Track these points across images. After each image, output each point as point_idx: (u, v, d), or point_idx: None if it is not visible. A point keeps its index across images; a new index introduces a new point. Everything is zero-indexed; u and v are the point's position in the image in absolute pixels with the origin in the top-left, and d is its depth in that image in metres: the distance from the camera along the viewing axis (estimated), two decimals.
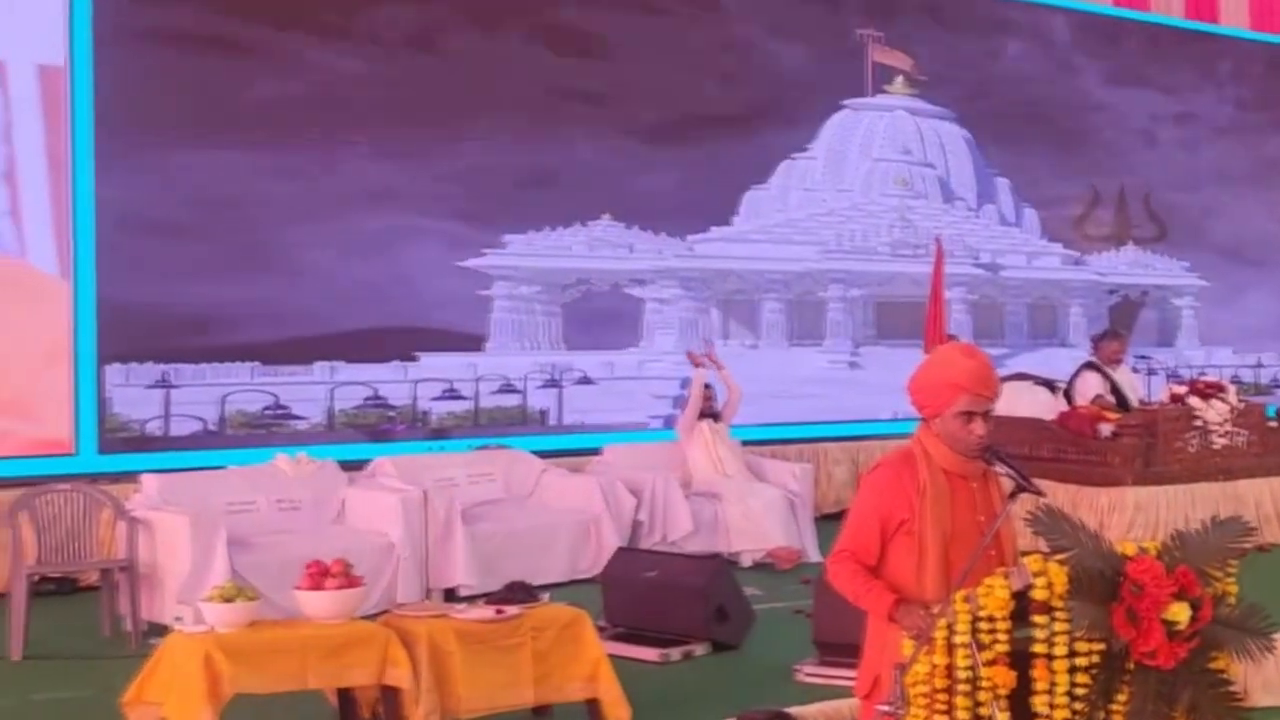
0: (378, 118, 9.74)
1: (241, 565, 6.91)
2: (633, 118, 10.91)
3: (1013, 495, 3.51)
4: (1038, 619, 3.25)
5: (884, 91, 12.51)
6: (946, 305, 11.44)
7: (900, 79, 12.58)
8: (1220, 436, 9.14)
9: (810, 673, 6.08)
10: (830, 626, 5.92)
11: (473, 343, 10.19)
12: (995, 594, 3.25)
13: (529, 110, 10.39)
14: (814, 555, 9.06)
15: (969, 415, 3.54)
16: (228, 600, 4.98)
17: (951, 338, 10.43)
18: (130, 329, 8.68)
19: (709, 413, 9.54)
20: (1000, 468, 3.60)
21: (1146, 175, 14.07)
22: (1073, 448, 9.00)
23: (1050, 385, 9.87)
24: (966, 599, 3.29)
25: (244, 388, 9.19)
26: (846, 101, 12.29)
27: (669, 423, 10.69)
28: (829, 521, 9.90)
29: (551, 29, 10.58)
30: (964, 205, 13.08)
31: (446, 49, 10.10)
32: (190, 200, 9.03)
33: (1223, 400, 9.24)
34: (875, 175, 12.59)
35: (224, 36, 9.18)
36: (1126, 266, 13.96)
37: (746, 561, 8.89)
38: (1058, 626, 3.24)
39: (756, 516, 9.04)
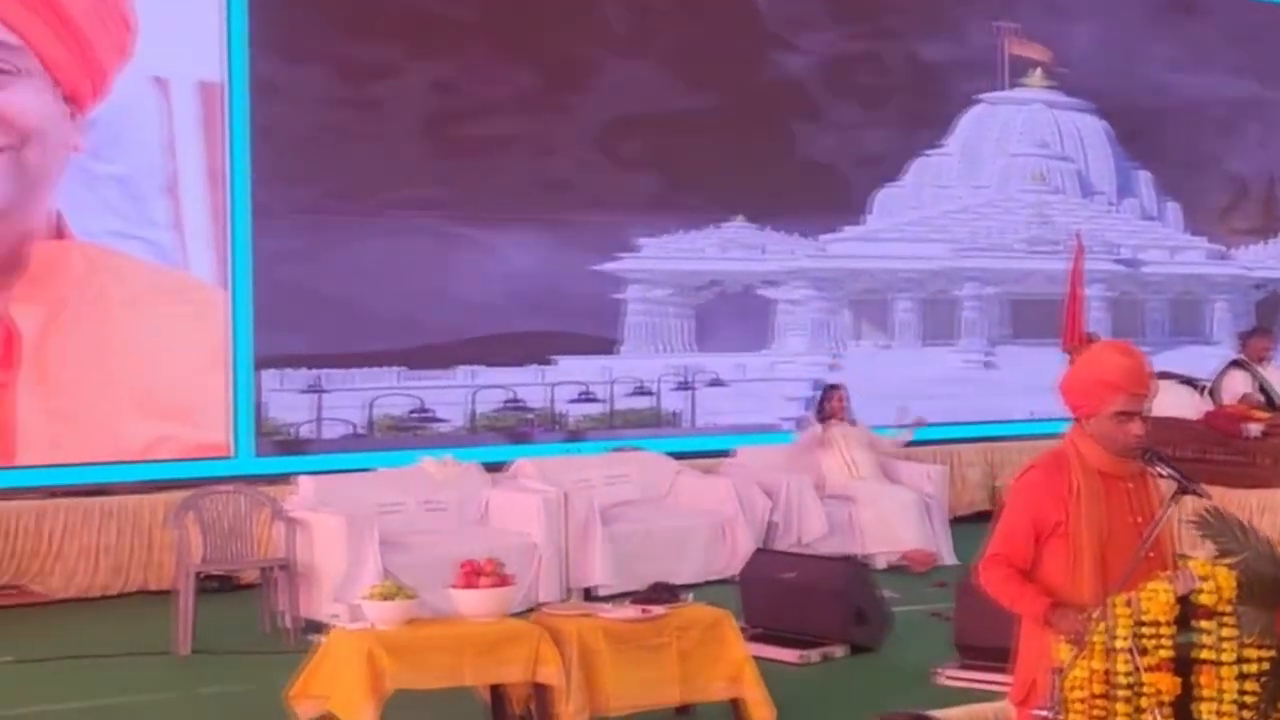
0: (518, 125, 9.92)
1: (391, 564, 7.10)
2: (764, 118, 10.94)
3: (1174, 497, 3.45)
4: (1204, 624, 3.20)
5: (1020, 84, 12.33)
6: (1085, 303, 11.24)
7: (1038, 71, 12.39)
8: None
9: (950, 676, 6.04)
10: (972, 629, 5.88)
11: (607, 346, 10.33)
12: (1159, 598, 3.20)
13: (660, 116, 10.48)
14: (949, 558, 8.99)
15: (1126, 415, 3.49)
16: (388, 598, 5.15)
17: (1091, 336, 10.25)
18: (283, 336, 9.00)
19: (835, 416, 9.53)
20: (1160, 469, 3.54)
21: None
22: (1218, 448, 8.79)
23: (1193, 384, 9.65)
24: (1128, 603, 3.25)
25: (390, 391, 9.46)
26: (982, 96, 12.15)
27: (801, 424, 10.69)
28: (963, 524, 9.83)
29: (682, 38, 10.65)
30: (1103, 199, 12.83)
31: (589, 63, 10.23)
32: (340, 211, 9.33)
33: None
34: (1011, 170, 12.42)
35: (374, 52, 9.46)
36: (1275, 260, 13.55)
37: (881, 564, 8.85)
38: (1225, 632, 3.19)
39: (891, 519, 9.01)
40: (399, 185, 9.55)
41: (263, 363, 8.96)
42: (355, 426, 9.36)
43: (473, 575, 5.29)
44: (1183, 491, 3.45)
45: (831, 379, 10.60)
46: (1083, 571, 3.49)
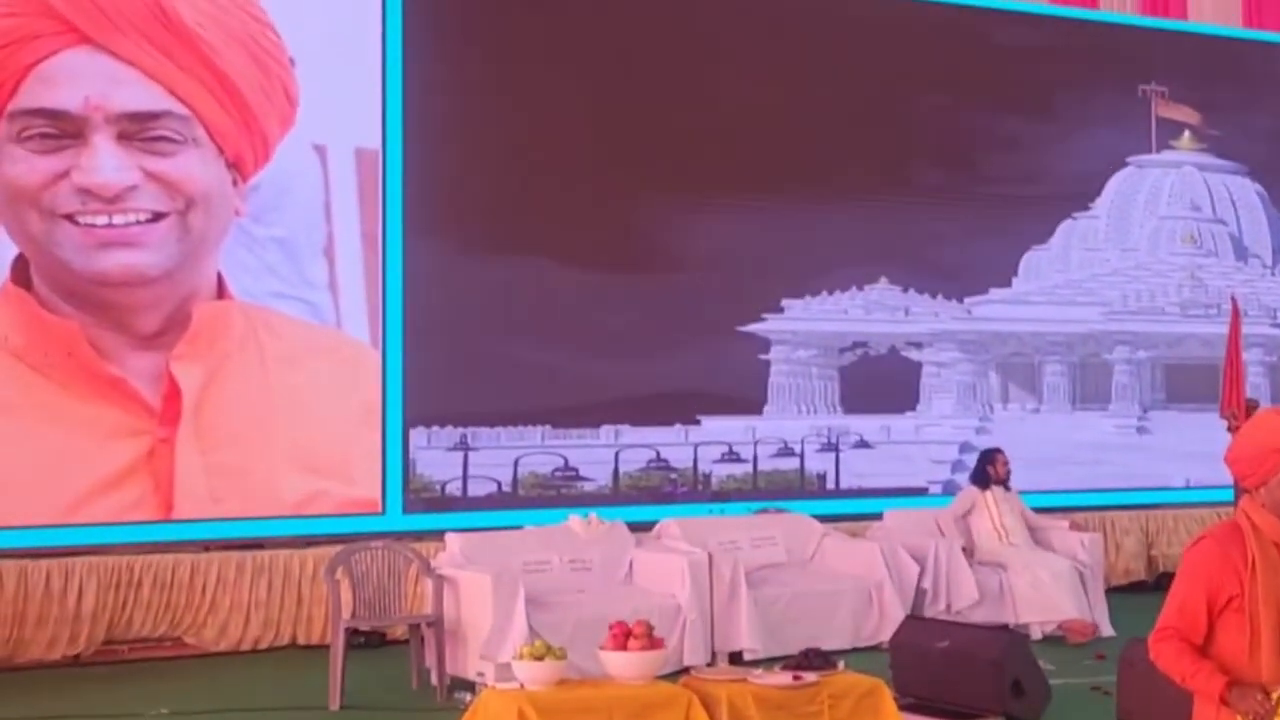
0: (664, 182, 10.02)
1: (537, 623, 7.11)
2: (911, 179, 10.89)
3: None
4: None
5: (1170, 147, 12.09)
6: (1244, 368, 10.87)
7: (1187, 134, 12.13)
8: None
9: None
10: (1136, 705, 5.69)
11: (751, 406, 10.30)
12: None
13: (807, 176, 10.49)
14: (1107, 629, 8.71)
15: None
16: (538, 659, 5.16)
17: (1251, 402, 9.92)
18: (433, 394, 9.15)
19: (999, 480, 9.33)
20: None
21: None
22: None
23: None
24: None
25: (536, 450, 9.56)
26: (1131, 158, 11.93)
27: (948, 488, 10.51)
28: (1119, 594, 9.52)
29: (830, 90, 10.67)
30: (1259, 263, 12.45)
31: (739, 113, 10.32)
32: (487, 271, 9.47)
33: None
34: (1162, 233, 12.13)
35: (522, 119, 9.66)
36: None
37: (1036, 634, 8.58)
38: None
39: (1045, 587, 8.75)
40: (548, 251, 9.67)
41: (412, 421, 9.13)
42: (501, 484, 9.45)
43: (623, 637, 5.29)
44: None
45: (979, 442, 10.43)
46: (1261, 648, 3.36)
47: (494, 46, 9.66)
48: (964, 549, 8.99)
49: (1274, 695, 3.23)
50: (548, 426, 9.57)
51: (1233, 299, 10.97)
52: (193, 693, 7.32)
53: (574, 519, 8.30)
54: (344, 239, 8.98)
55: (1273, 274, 12.46)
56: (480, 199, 9.48)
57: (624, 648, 5.22)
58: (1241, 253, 12.39)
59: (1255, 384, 11.74)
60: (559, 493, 9.53)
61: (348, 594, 7.26)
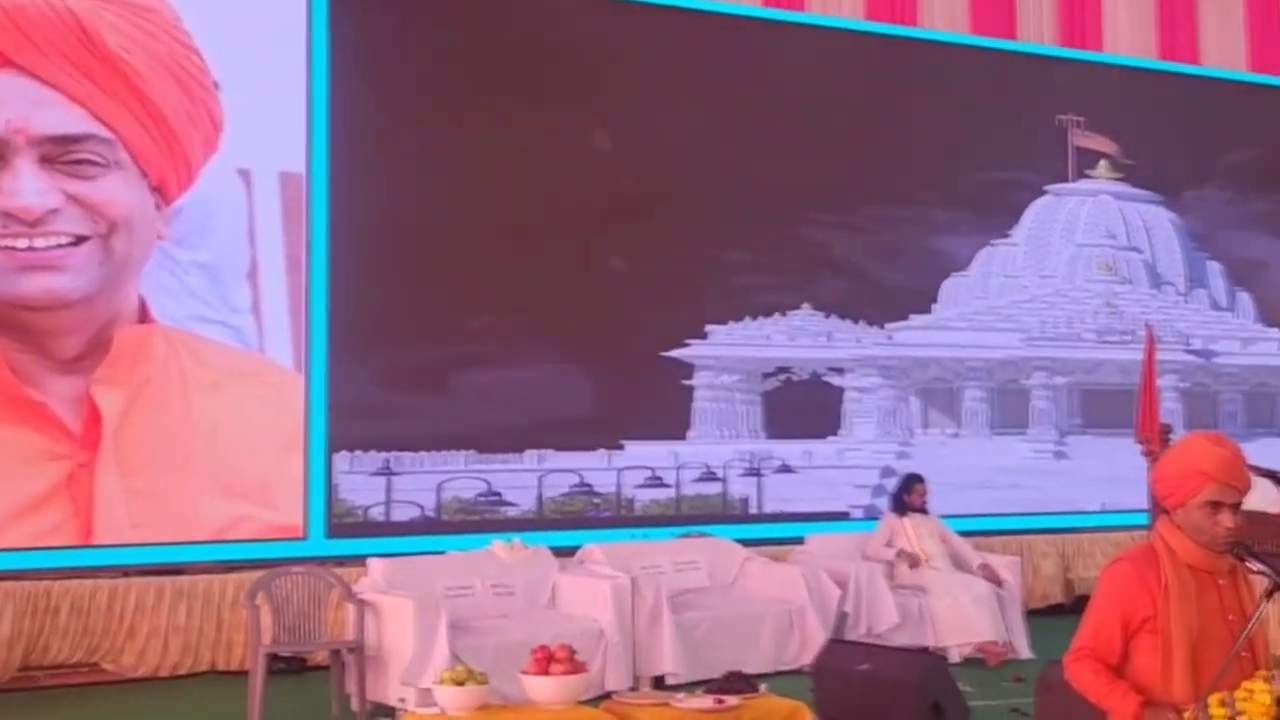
0: (590, 208, 10.06)
1: (460, 648, 7.07)
2: (833, 206, 11.02)
3: (1268, 594, 3.39)
4: None
5: (1087, 176, 12.35)
6: (1159, 394, 11.11)
7: (1104, 163, 12.41)
8: None
9: None
10: None
11: (675, 431, 10.34)
12: (1257, 698, 3.14)
13: (731, 202, 10.59)
14: (1025, 651, 8.84)
15: (1216, 505, 3.45)
16: (459, 684, 5.15)
17: (1166, 428, 10.13)
18: (356, 419, 9.11)
19: (915, 507, 9.44)
20: (1253, 564, 3.48)
21: None
22: None
23: (1275, 477, 9.47)
24: (1223, 703, 3.19)
25: (459, 475, 9.52)
26: (1049, 187, 12.17)
27: (869, 512, 10.62)
28: (1038, 617, 9.66)
29: (753, 118, 10.79)
30: (1173, 290, 12.74)
31: (659, 139, 10.39)
32: (411, 297, 9.46)
33: None
34: (1079, 261, 12.39)
35: (455, 145, 9.66)
36: None
37: (954, 656, 8.68)
38: None
39: (964, 610, 8.87)
40: (473, 275, 9.68)
41: (335, 446, 9.07)
42: (424, 509, 9.40)
43: (545, 661, 5.28)
44: (1277, 588, 3.38)
45: (900, 467, 10.56)
46: (1175, 670, 3.42)
47: (420, 72, 9.66)
48: (884, 573, 9.08)
49: (1186, 715, 3.28)
50: (471, 451, 9.54)
51: (1147, 326, 11.22)
52: None
53: (497, 544, 8.28)
54: (268, 263, 8.92)
55: (1186, 301, 12.76)
56: (405, 224, 9.46)
57: (546, 672, 5.22)
58: (1156, 280, 12.68)
59: (1170, 409, 11.97)
60: (482, 517, 9.50)
61: (268, 619, 7.20)
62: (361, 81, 9.34)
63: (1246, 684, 3.21)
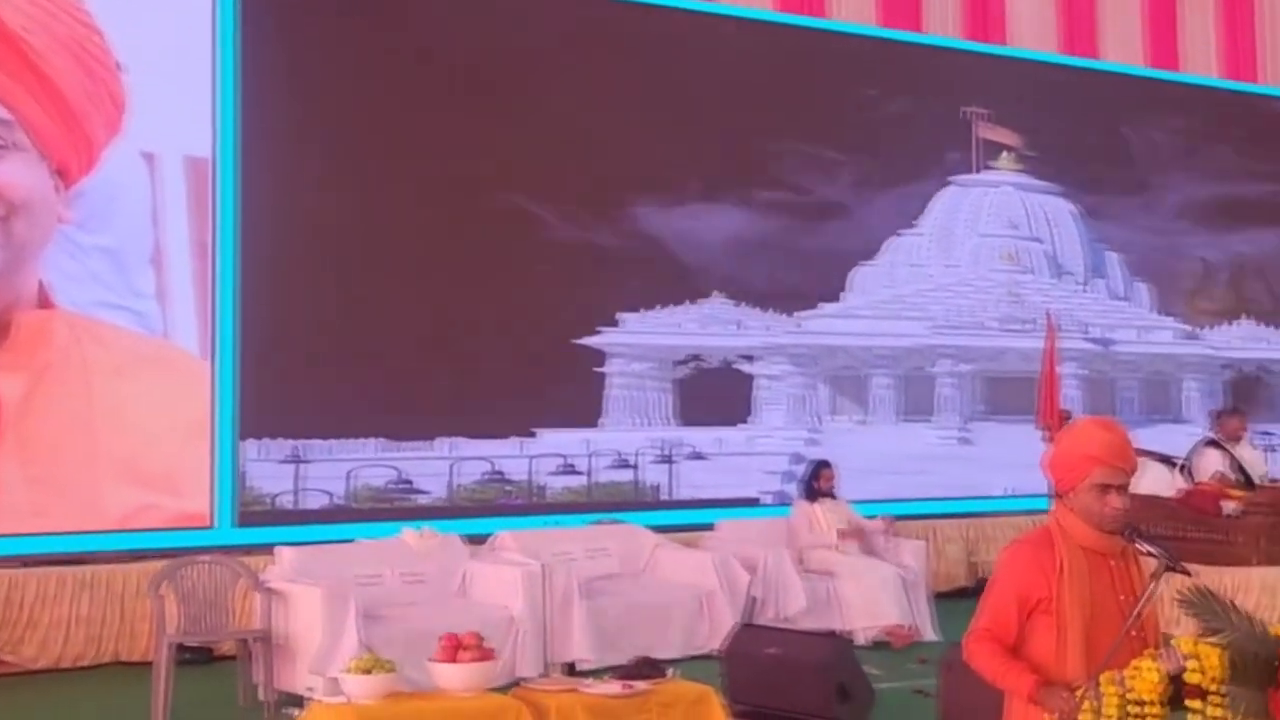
0: (500, 195, 10.02)
1: (370, 637, 7.06)
2: (741, 196, 11.11)
3: (1157, 574, 3.48)
4: (1192, 704, 3.19)
5: (990, 168, 12.57)
6: (1060, 381, 11.36)
7: (1006, 154, 12.63)
8: None
9: None
10: (957, 707, 5.87)
11: (587, 419, 10.37)
12: (1145, 676, 3.21)
13: (641, 191, 10.63)
14: (930, 634, 9.01)
15: (1104, 488, 3.54)
16: (366, 672, 5.11)
17: (1065, 414, 10.36)
18: (264, 406, 9.01)
19: (824, 492, 9.57)
20: (1142, 545, 3.57)
21: (1261, 247, 13.92)
22: (1195, 526, 8.86)
23: (1169, 461, 9.75)
24: (1114, 681, 3.26)
25: (370, 462, 9.46)
26: (953, 178, 12.37)
27: (780, 498, 10.75)
28: (944, 600, 9.84)
29: (663, 107, 10.84)
30: (1073, 280, 13.03)
31: (569, 129, 10.38)
32: (321, 283, 9.37)
33: None
34: (983, 251, 12.61)
35: (363, 126, 9.58)
36: (1241, 340, 13.77)
37: (861, 639, 8.83)
38: (1213, 712, 3.18)
39: (872, 594, 9.02)
40: (384, 263, 9.60)
41: (244, 433, 8.96)
42: (334, 497, 9.33)
43: (453, 649, 5.27)
44: (1167, 569, 3.49)
45: (810, 453, 10.68)
46: (1069, 649, 3.50)
47: (331, 57, 9.55)
48: (794, 558, 9.19)
49: (1079, 693, 3.35)
50: (382, 439, 9.48)
51: (1048, 315, 11.48)
52: (11, 712, 7.08)
53: (407, 531, 8.26)
54: (173, 248, 8.78)
55: (1086, 291, 13.05)
56: (316, 211, 9.36)
57: (454, 659, 5.21)
58: (1057, 270, 12.95)
59: (1070, 396, 12.26)
60: (393, 505, 9.45)
61: (174, 609, 7.10)
62: (271, 66, 9.21)
63: (1136, 661, 3.29)
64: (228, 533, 8.79)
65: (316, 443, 9.25)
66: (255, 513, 9.00)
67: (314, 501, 9.26)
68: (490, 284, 9.99)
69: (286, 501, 9.17)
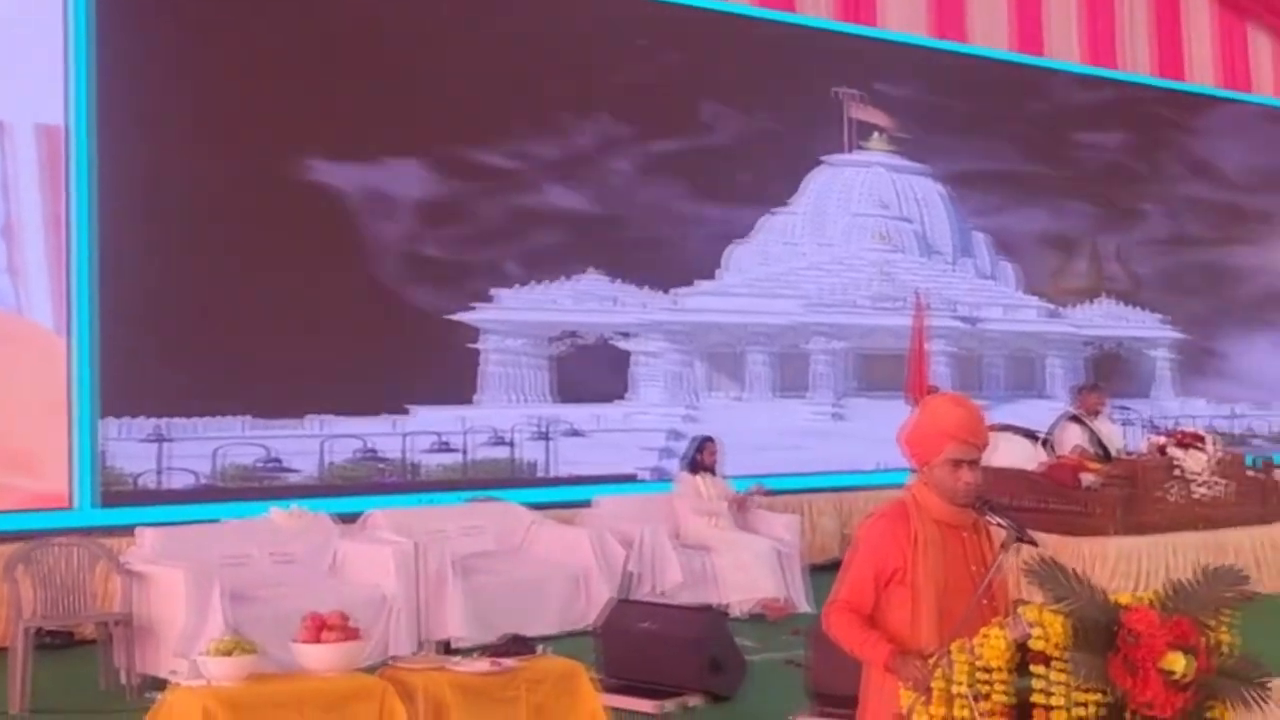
0: (369, 168, 9.88)
1: (237, 618, 6.94)
2: (616, 171, 11.10)
3: (1006, 545, 3.57)
4: (1036, 669, 3.26)
5: (862, 148, 12.73)
6: (928, 357, 11.60)
7: (877, 135, 12.81)
8: (1200, 486, 9.28)
9: None
10: (825, 677, 5.94)
11: (462, 396, 10.28)
12: (993, 644, 3.27)
13: (514, 163, 10.55)
14: (804, 606, 9.13)
15: (958, 463, 3.62)
16: (226, 654, 5.00)
17: (933, 389, 10.58)
18: (125, 383, 8.76)
19: (706, 467, 9.64)
20: (992, 518, 3.65)
21: (1121, 228, 14.35)
22: (1056, 498, 9.13)
23: (1032, 436, 10.02)
24: (965, 649, 3.33)
25: (237, 441, 9.26)
26: (826, 157, 12.50)
27: (657, 474, 10.79)
28: (817, 572, 9.98)
29: (542, 86, 10.77)
30: (942, 259, 13.28)
31: (442, 98, 10.25)
32: (185, 256, 9.12)
33: (1202, 450, 9.39)
34: (855, 230, 12.78)
35: (222, 95, 9.33)
36: (1102, 318, 14.18)
37: (737, 612, 8.94)
38: (1056, 677, 3.24)
39: (747, 568, 9.11)
40: (249, 230, 9.38)
41: (104, 411, 8.70)
42: (199, 476, 9.12)
43: (317, 629, 5.18)
44: (1016, 540, 3.57)
45: (687, 430, 10.74)
46: (922, 619, 3.57)
47: (190, 22, 9.28)
48: (670, 531, 9.25)
49: (931, 661, 3.41)
50: (249, 417, 9.29)
51: (916, 294, 11.71)
52: None
53: (275, 511, 8.12)
54: (26, 220, 8.49)
55: (954, 270, 13.32)
56: (177, 182, 9.10)
57: (318, 640, 5.13)
58: (926, 249, 13.19)
59: (939, 372, 12.53)
60: (262, 484, 9.27)
61: (30, 593, 6.89)
62: (127, 30, 8.91)
63: (984, 630, 3.36)
64: (88, 513, 8.56)
65: (181, 421, 9.03)
66: (117, 493, 8.76)
67: (179, 481, 9.04)
68: (361, 258, 9.84)
69: (150, 481, 8.94)
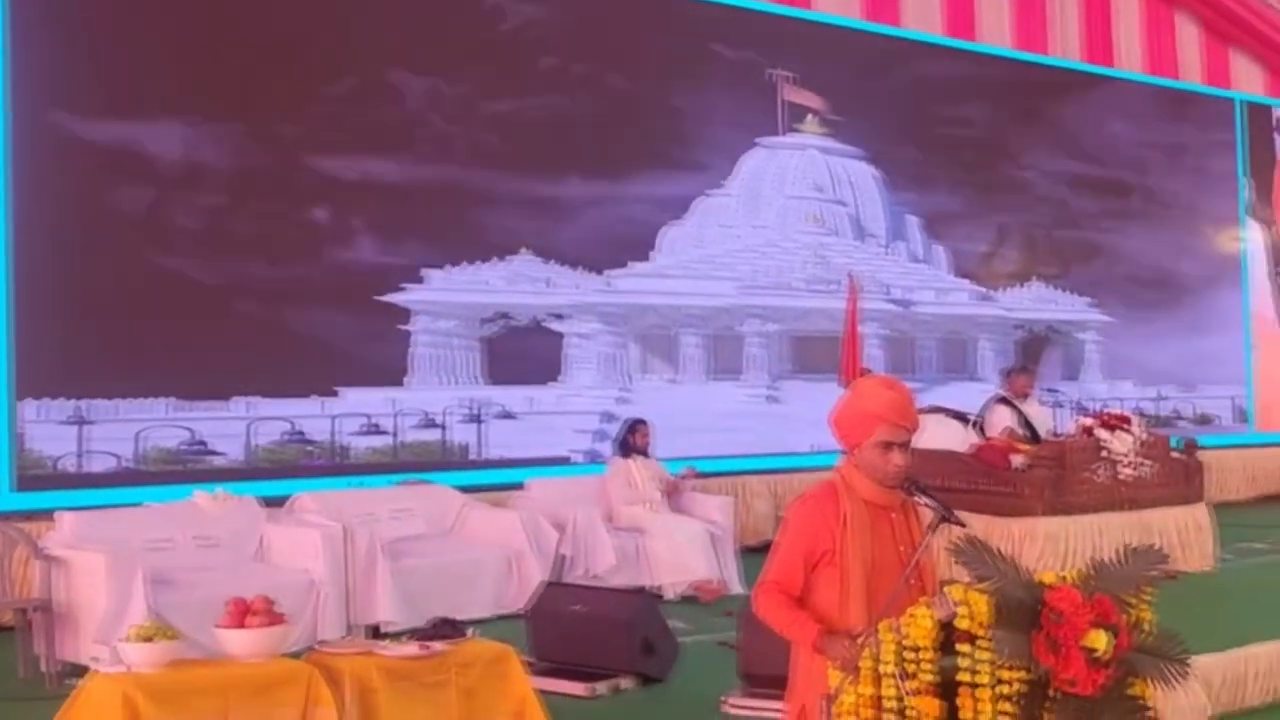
0: (296, 145, 9.71)
1: (160, 604, 6.81)
2: (551, 153, 11.01)
3: (933, 526, 3.58)
4: (961, 648, 3.28)
5: (796, 130, 12.74)
6: (861, 340, 11.65)
7: (812, 118, 12.82)
8: (1127, 467, 9.39)
9: (737, 704, 6.10)
10: (756, 658, 5.96)
11: (392, 377, 10.16)
12: (920, 623, 3.29)
13: (446, 143, 10.44)
14: (737, 588, 9.13)
15: (888, 445, 3.63)
16: (147, 640, 4.89)
17: (866, 371, 10.62)
18: (44, 364, 8.56)
19: (639, 449, 9.60)
20: (921, 498, 3.68)
21: (1050, 213, 14.49)
22: (985, 479, 9.20)
23: (963, 418, 10.09)
24: (892, 629, 3.34)
25: (160, 423, 9.08)
26: (760, 139, 12.49)
27: (590, 457, 10.75)
28: (751, 554, 10.00)
29: (470, 65, 10.65)
30: (875, 242, 13.33)
31: (373, 81, 10.11)
32: (105, 233, 8.92)
33: (1128, 432, 9.50)
34: (789, 212, 12.79)
35: (140, 63, 9.12)
36: (1032, 302, 14.32)
37: (670, 595, 8.94)
38: (981, 655, 3.26)
39: (680, 550, 9.10)
40: (172, 210, 9.20)
41: (21, 392, 8.50)
42: (122, 459, 8.93)
43: (241, 614, 5.08)
44: (943, 520, 3.57)
45: (620, 412, 10.70)
46: (851, 599, 3.58)
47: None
48: (603, 514, 9.21)
49: (859, 641, 3.42)
50: (173, 399, 9.11)
51: (850, 276, 11.74)
52: None
53: (200, 494, 7.97)
54: None
55: (887, 253, 13.38)
56: (93, 153, 8.87)
57: (242, 625, 5.03)
58: (860, 232, 13.23)
59: (872, 355, 12.59)
60: (187, 467, 9.11)
61: None
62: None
63: (911, 610, 3.37)
64: (6, 497, 8.37)
65: (102, 402, 8.84)
66: (35, 476, 8.57)
67: (100, 464, 8.85)
68: (289, 237, 9.68)
69: (70, 464, 8.75)
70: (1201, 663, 5.75)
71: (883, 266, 13.26)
